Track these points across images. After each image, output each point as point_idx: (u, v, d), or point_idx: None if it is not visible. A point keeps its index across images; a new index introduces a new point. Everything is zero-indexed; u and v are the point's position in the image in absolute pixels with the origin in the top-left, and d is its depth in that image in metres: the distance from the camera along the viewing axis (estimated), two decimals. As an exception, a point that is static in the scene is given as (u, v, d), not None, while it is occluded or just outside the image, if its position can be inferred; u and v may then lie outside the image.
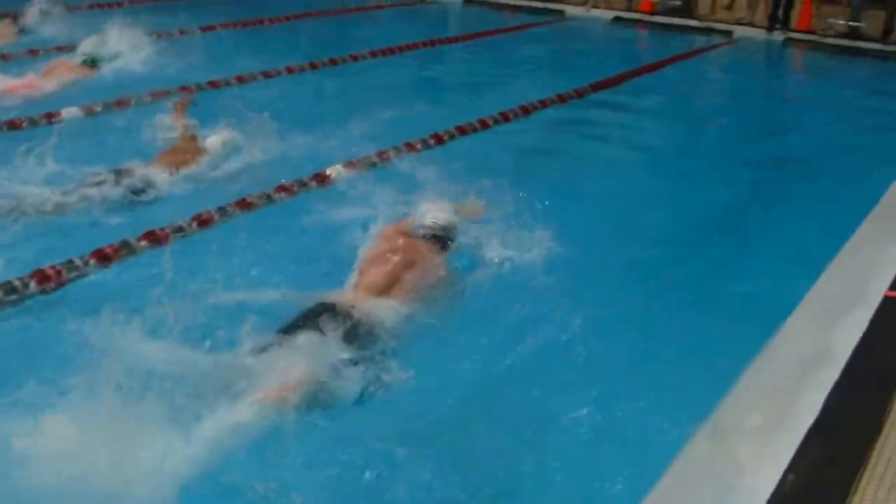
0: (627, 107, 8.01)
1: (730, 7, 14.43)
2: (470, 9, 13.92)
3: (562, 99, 7.88)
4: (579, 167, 5.92)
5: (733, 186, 5.89)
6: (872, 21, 12.26)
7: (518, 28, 12.40)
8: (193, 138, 5.59)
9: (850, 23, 12.17)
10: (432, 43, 10.08)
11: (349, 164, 5.50)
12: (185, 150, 5.47)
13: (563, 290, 3.84)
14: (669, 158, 6.45)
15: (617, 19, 13.38)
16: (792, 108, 8.49)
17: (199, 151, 5.49)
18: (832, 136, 7.44)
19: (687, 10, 13.58)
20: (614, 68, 9.24)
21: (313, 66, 8.27)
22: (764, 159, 6.60)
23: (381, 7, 13.39)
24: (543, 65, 9.40)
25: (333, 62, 8.50)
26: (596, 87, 8.39)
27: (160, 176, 5.15)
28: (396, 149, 5.80)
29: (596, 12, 13.88)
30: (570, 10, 13.89)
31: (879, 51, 11.65)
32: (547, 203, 4.27)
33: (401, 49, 9.37)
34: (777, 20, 12.56)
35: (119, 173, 5.06)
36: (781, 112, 8.34)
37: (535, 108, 7.45)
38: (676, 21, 13.21)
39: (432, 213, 3.91)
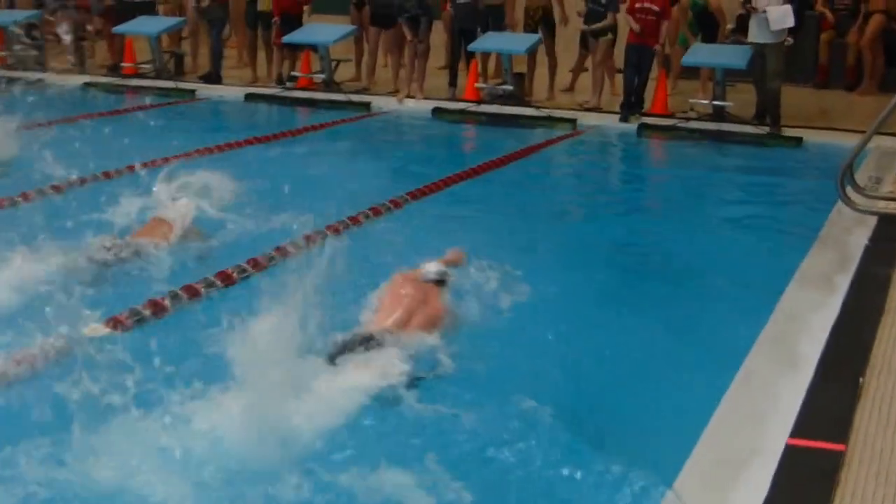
0: (454, 218, 8.02)
1: (570, 89, 15.10)
2: (255, 104, 14.25)
3: (376, 213, 8.05)
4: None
5: (599, 316, 6.07)
6: (740, 100, 13.05)
7: (314, 127, 12.55)
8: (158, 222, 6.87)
9: (715, 103, 12.87)
10: (229, 146, 10.71)
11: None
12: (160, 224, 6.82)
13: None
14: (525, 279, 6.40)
15: (438, 111, 13.70)
16: (657, 213, 8.79)
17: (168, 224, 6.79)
18: (707, 242, 7.79)
19: (519, 95, 14.06)
20: (435, 172, 9.34)
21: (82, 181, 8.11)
22: (628, 278, 6.73)
23: (142, 108, 13.40)
24: (354, 173, 9.54)
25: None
26: (416, 194, 8.57)
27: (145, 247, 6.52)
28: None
29: (411, 103, 14.21)
30: (380, 102, 14.27)
31: (751, 135, 12.37)
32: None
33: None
34: (630, 106, 13.17)
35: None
36: (646, 217, 8.61)
37: (359, 221, 7.69)
38: (508, 110, 13.63)
39: (432, 264, 5.70)
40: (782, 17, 12.18)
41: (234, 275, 6.31)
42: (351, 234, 7.35)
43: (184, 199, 7.01)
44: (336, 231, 7.30)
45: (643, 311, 6.15)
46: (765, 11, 12.21)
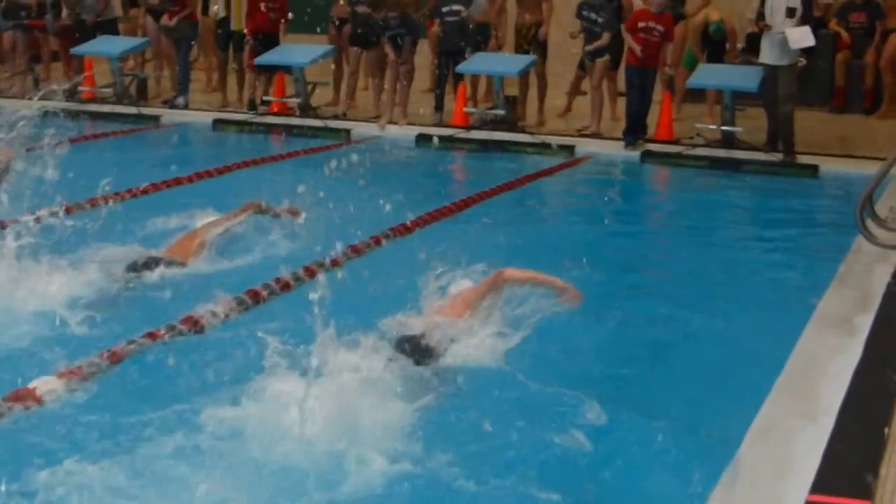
0: (439, 258, 7.99)
1: (566, 113, 15.19)
2: (224, 131, 14.30)
3: (356, 251, 8.10)
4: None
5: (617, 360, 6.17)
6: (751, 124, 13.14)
7: (288, 155, 12.58)
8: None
9: (724, 128, 12.95)
10: (199, 176, 10.75)
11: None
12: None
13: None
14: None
15: (423, 138, 13.74)
16: (661, 251, 8.81)
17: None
18: (717, 282, 7.83)
19: (511, 121, 14.13)
20: (419, 206, 9.36)
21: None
22: (633, 323, 6.74)
23: (102, 135, 13.45)
24: (329, 207, 9.45)
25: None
26: (399, 231, 8.61)
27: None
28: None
29: (394, 130, 14.26)
30: (360, 128, 14.33)
31: (763, 162, 12.44)
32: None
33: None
34: (633, 132, 13.24)
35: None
36: (648, 257, 8.63)
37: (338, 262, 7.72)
38: (500, 136, 13.69)
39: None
40: (802, 36, 12.26)
41: (202, 320, 6.40)
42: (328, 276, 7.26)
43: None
44: (311, 273, 7.30)
45: (651, 358, 6.18)
46: (781, 32, 12.29)
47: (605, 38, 13.76)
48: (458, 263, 6.57)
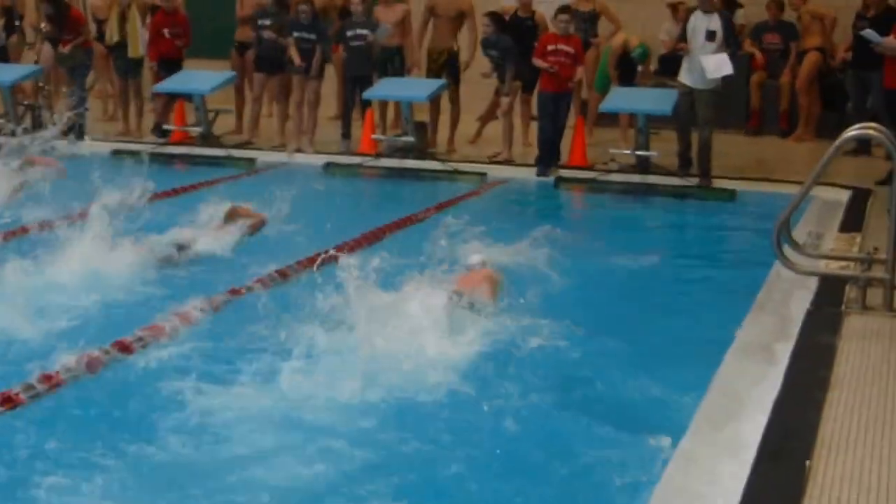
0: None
1: (475, 139, 15.21)
2: (122, 161, 14.03)
3: (264, 284, 8.06)
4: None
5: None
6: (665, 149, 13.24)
7: (192, 187, 12.43)
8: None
9: (638, 153, 13.04)
10: None
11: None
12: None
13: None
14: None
15: (330, 166, 13.67)
16: (573, 278, 8.74)
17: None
18: (632, 310, 7.86)
19: (422, 147, 14.09)
20: (323, 238, 9.27)
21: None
22: (542, 353, 6.70)
23: None
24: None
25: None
26: (303, 264, 8.49)
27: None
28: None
29: (300, 158, 14.17)
30: (265, 157, 14.23)
31: (679, 187, 12.55)
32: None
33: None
34: (547, 160, 13.29)
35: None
36: (559, 282, 8.57)
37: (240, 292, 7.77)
38: (410, 164, 13.65)
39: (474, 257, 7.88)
40: (720, 65, 12.40)
41: (132, 344, 6.60)
42: (232, 305, 7.52)
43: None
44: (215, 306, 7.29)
45: (561, 390, 6.15)
46: (700, 58, 12.43)
47: (509, 74, 13.81)
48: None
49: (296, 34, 14.44)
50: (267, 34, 14.85)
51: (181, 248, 8.80)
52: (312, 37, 14.46)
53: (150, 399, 5.80)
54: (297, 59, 14.39)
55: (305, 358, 6.12)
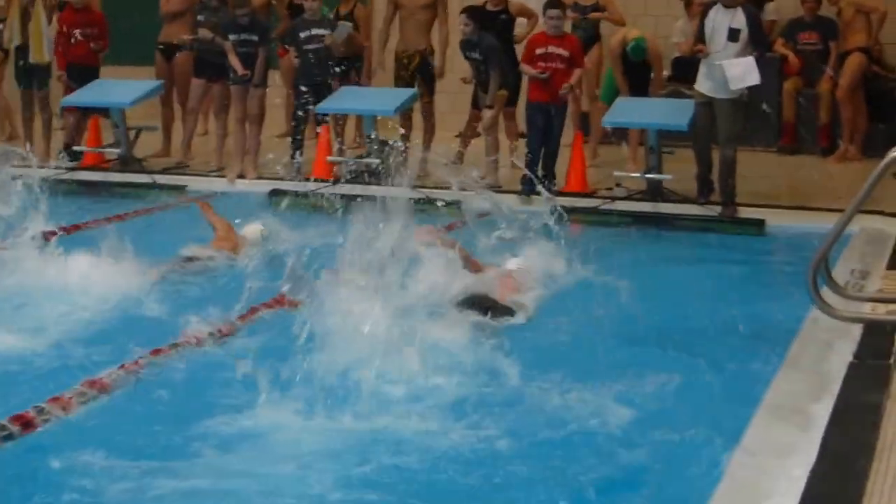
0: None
1: (459, 161, 15.26)
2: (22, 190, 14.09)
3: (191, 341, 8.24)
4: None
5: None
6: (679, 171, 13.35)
7: (105, 221, 12.44)
8: (230, 229, 10.97)
9: (648, 176, 13.14)
10: None
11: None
12: (225, 240, 10.80)
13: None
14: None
15: (276, 194, 13.73)
16: (573, 330, 8.82)
17: (238, 241, 10.79)
18: (643, 364, 7.93)
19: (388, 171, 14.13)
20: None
21: None
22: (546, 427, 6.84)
23: None
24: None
25: None
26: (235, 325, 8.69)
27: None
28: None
29: (242, 185, 14.23)
30: (199, 183, 14.40)
31: (697, 217, 12.69)
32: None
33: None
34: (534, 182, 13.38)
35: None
36: (558, 336, 8.68)
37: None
38: (373, 191, 13.62)
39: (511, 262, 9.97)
40: (744, 73, 12.44)
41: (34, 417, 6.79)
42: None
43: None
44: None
45: (571, 467, 6.26)
46: (721, 64, 12.49)
47: (494, 81, 13.96)
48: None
49: (233, 37, 14.52)
50: (202, 32, 14.96)
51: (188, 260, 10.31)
52: (254, 38, 14.55)
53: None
54: (239, 67, 14.46)
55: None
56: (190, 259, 10.38)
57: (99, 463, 6.11)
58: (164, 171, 14.86)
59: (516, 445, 6.49)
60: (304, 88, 14.55)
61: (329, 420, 6.70)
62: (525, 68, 13.57)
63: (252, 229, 10.99)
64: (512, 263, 9.99)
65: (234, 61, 14.47)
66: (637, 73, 14.93)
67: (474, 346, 7.98)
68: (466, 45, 14.13)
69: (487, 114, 14.09)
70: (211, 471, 6.09)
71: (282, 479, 5.99)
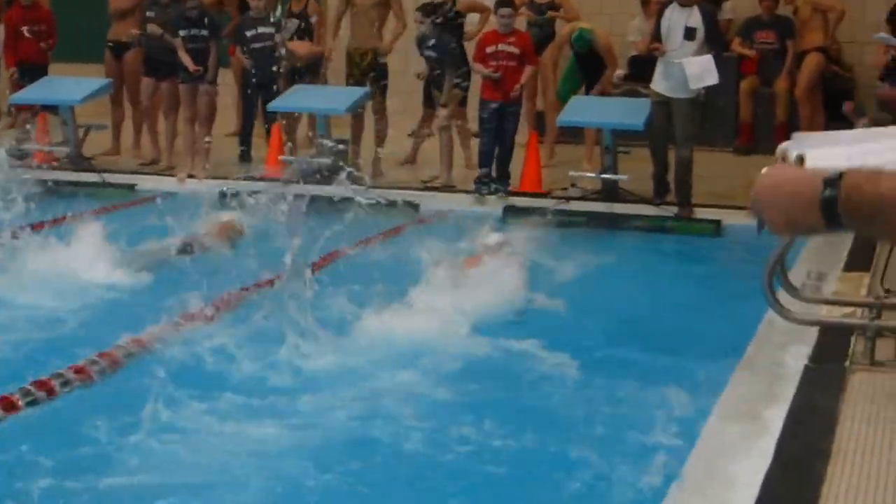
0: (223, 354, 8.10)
1: (412, 161, 15.27)
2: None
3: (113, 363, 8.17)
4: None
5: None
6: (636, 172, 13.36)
7: (54, 222, 12.34)
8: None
9: (604, 176, 13.14)
10: None
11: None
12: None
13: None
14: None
15: (227, 194, 13.65)
16: (525, 331, 8.86)
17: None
18: (597, 365, 8.03)
19: (340, 171, 14.09)
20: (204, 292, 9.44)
21: None
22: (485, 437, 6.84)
23: None
24: (96, 295, 9.67)
25: None
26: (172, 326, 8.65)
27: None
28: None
29: (192, 184, 14.15)
30: (148, 182, 14.34)
31: (653, 218, 12.70)
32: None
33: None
34: (487, 182, 13.38)
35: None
36: (509, 337, 8.68)
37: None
38: (325, 191, 13.59)
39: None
40: (703, 72, 12.49)
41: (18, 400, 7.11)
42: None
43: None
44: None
45: (514, 463, 6.30)
46: (680, 62, 12.53)
47: (448, 79, 13.93)
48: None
49: (183, 32, 14.43)
50: (151, 28, 14.87)
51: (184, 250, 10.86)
52: (204, 33, 14.47)
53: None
54: (190, 64, 14.37)
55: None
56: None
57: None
58: (114, 171, 14.72)
59: (451, 447, 6.58)
60: (251, 87, 14.51)
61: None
62: (477, 67, 13.56)
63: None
64: (492, 238, 10.63)
65: (184, 58, 14.38)
66: (592, 71, 14.90)
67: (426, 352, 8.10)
68: (423, 42, 14.10)
69: (442, 112, 14.06)
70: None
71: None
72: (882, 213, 2.12)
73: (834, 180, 2.16)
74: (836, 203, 2.14)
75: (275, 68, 14.58)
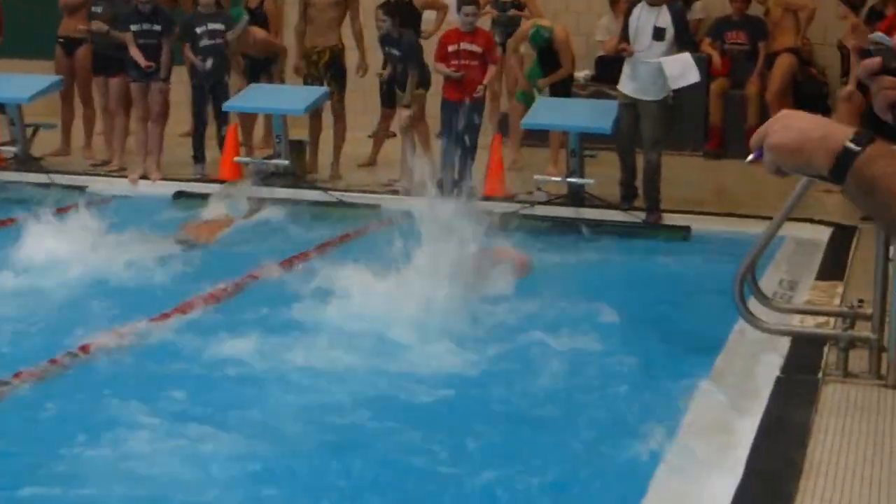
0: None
1: (371, 163, 15.24)
2: None
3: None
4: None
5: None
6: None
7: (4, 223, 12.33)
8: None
9: (570, 180, 13.13)
10: None
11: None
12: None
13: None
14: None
15: (182, 196, 13.63)
16: (487, 340, 8.87)
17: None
18: (561, 378, 8.04)
19: (298, 173, 14.06)
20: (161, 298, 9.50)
21: None
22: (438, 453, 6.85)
23: None
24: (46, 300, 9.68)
25: None
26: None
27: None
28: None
29: (145, 186, 14.09)
30: (100, 184, 14.36)
31: (619, 224, 12.72)
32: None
33: None
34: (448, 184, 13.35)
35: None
36: (470, 351, 8.67)
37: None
38: (281, 194, 13.59)
39: None
40: (683, 70, 12.46)
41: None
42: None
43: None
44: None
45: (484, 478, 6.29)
46: (650, 60, 12.46)
47: (412, 78, 13.89)
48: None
49: (134, 27, 14.32)
50: (96, 25, 14.77)
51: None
52: (157, 28, 14.38)
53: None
54: (141, 60, 14.27)
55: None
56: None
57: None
58: (64, 171, 14.64)
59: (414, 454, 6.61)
60: (201, 86, 14.45)
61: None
62: (439, 67, 13.52)
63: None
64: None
65: (135, 53, 14.27)
66: (552, 67, 14.75)
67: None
68: (386, 41, 14.07)
69: (405, 113, 14.02)
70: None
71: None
72: (889, 193, 2.19)
73: (864, 139, 2.22)
74: (854, 158, 2.21)
75: (223, 67, 14.51)
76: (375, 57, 14.86)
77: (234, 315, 9.30)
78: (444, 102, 13.64)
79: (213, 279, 10.14)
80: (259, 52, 15.16)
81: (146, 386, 7.65)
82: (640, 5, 12.69)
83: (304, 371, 7.99)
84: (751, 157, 2.39)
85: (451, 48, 13.45)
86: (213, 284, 10.02)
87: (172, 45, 14.60)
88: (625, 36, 12.77)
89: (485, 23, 14.71)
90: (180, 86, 15.49)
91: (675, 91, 12.80)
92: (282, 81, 15.44)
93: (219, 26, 14.39)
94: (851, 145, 2.22)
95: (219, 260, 11.16)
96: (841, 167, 2.22)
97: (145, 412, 7.13)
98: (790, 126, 2.34)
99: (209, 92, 14.44)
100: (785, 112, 2.45)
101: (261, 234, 12.39)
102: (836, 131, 2.26)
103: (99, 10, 14.89)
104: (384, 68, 14.77)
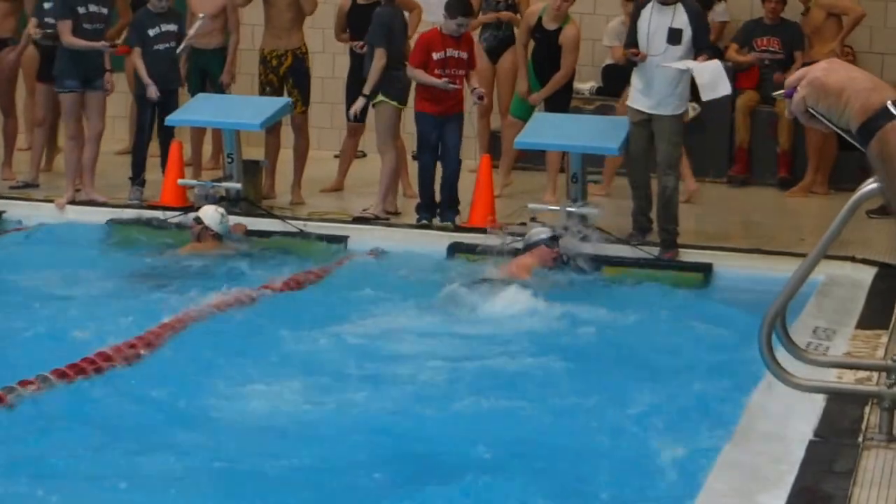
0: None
1: (338, 188, 15.20)
2: None
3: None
4: None
5: None
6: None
7: None
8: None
9: (570, 209, 13.03)
10: None
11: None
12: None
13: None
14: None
15: (115, 224, 13.60)
16: (478, 401, 8.89)
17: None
18: (563, 441, 8.15)
19: (252, 198, 13.95)
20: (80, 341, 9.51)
21: None
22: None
23: None
24: None
25: None
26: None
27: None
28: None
29: (75, 212, 14.04)
30: (19, 210, 14.45)
31: (631, 261, 12.70)
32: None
33: None
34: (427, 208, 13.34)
35: None
36: (455, 412, 8.71)
37: None
38: (232, 222, 13.54)
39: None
40: (715, 79, 12.41)
41: None
42: None
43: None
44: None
45: None
46: (669, 66, 12.38)
47: (372, 77, 13.85)
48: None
49: (80, 9, 14.06)
50: (34, 31, 14.75)
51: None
52: (104, 11, 14.30)
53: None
54: (86, 44, 14.11)
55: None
56: None
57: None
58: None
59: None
60: (146, 97, 14.39)
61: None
62: (420, 75, 13.36)
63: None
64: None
65: (77, 42, 14.06)
66: (550, 71, 14.62)
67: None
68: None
69: (381, 115, 13.92)
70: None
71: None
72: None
73: None
74: (888, 120, 2.43)
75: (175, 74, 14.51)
76: (341, 62, 14.85)
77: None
78: (422, 116, 13.52)
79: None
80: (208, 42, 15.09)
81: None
82: (649, 5, 12.54)
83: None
84: (781, 92, 2.59)
85: (436, 55, 13.29)
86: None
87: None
88: (632, 40, 12.67)
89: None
90: (120, 96, 15.48)
91: (699, 102, 12.78)
92: (231, 79, 15.32)
93: (172, 27, 14.36)
94: (892, 107, 2.41)
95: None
96: (872, 125, 2.43)
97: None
98: (837, 70, 2.54)
99: (156, 104, 14.30)
100: (835, 59, 2.65)
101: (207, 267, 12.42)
102: (884, 89, 2.46)
103: (48, 5, 14.63)
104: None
